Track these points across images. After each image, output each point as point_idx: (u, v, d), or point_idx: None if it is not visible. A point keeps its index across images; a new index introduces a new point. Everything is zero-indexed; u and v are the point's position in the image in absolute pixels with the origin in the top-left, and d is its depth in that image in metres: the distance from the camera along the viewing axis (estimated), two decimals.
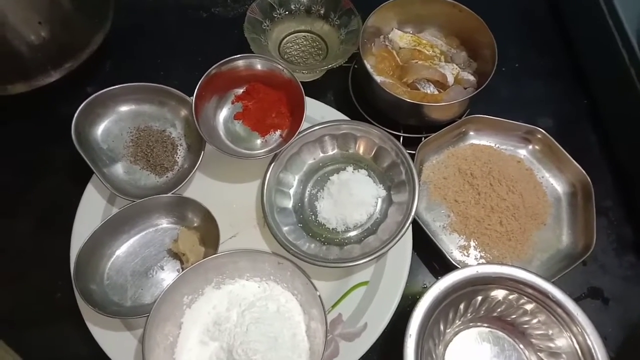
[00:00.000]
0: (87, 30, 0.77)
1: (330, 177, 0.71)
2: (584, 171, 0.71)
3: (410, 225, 0.64)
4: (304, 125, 0.68)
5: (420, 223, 0.67)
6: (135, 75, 0.73)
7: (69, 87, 0.77)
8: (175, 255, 0.67)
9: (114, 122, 0.72)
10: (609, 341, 0.65)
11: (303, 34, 0.84)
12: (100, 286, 0.63)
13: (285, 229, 0.67)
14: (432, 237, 0.66)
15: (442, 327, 0.62)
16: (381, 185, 0.70)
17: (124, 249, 0.67)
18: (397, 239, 0.63)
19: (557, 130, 0.78)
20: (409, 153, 0.68)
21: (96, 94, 0.69)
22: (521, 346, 0.63)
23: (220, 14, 0.91)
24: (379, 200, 0.70)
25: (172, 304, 0.60)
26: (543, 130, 0.74)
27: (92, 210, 0.68)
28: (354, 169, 0.71)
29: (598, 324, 0.56)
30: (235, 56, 0.69)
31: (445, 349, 0.62)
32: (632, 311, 0.68)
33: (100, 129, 0.71)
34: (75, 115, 0.67)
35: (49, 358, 0.65)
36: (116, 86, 0.70)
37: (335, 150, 0.74)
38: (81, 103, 0.68)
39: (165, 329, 0.59)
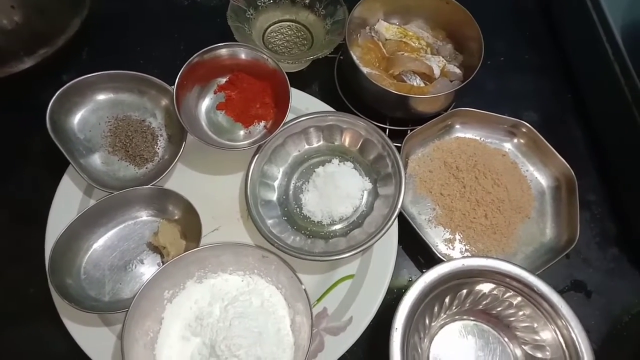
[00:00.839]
0: (63, 15, 0.75)
1: (315, 170, 0.70)
2: (568, 165, 0.71)
3: (397, 219, 0.64)
4: (289, 116, 0.67)
5: (406, 216, 0.66)
6: (113, 63, 0.70)
7: (43, 74, 0.74)
8: (156, 249, 0.65)
9: (91, 111, 0.69)
10: (591, 334, 0.65)
11: (288, 23, 0.82)
12: (76, 281, 0.61)
13: (269, 222, 0.66)
14: (417, 230, 0.66)
15: (427, 321, 0.61)
16: (367, 178, 0.70)
17: (101, 242, 0.64)
18: (383, 232, 0.62)
19: (542, 124, 0.78)
20: (395, 146, 0.68)
21: (73, 81, 0.66)
22: (506, 339, 0.63)
23: (202, 2, 0.89)
24: (365, 193, 0.69)
25: (152, 299, 0.58)
26: (528, 124, 0.74)
27: (68, 202, 0.66)
28: (339, 162, 0.70)
29: (581, 317, 0.56)
30: (219, 44, 0.67)
31: (430, 343, 0.62)
32: (614, 304, 0.68)
33: (77, 118, 0.69)
34: (51, 103, 0.65)
35: (23, 355, 0.63)
36: (94, 74, 0.68)
37: (321, 142, 0.72)
38: (56, 91, 0.65)
39: (145, 324, 0.57)
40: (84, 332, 0.59)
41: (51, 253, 0.59)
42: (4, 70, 0.71)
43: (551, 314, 0.57)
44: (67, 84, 0.66)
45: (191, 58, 0.66)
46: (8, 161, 0.73)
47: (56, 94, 0.65)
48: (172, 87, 0.66)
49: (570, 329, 0.56)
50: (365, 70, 0.71)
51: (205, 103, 0.71)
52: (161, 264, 0.64)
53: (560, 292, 0.67)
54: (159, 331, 0.58)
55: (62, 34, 0.74)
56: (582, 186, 0.70)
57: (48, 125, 0.64)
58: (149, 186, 0.65)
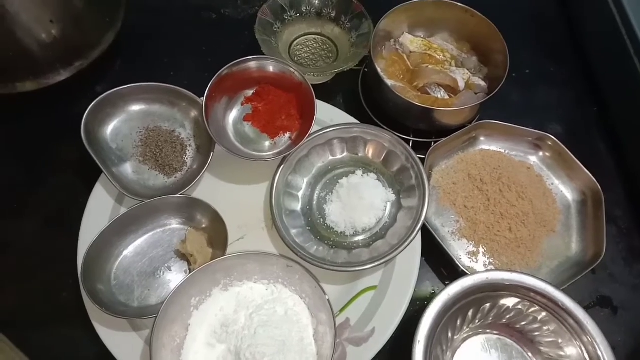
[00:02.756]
0: (99, 29, 0.77)
1: (339, 181, 0.71)
2: (594, 179, 0.70)
3: (420, 231, 0.64)
4: (314, 128, 0.68)
5: (430, 228, 0.66)
6: (144, 75, 0.73)
7: (78, 86, 0.77)
8: (183, 257, 0.66)
9: (123, 122, 0.72)
10: (617, 351, 0.64)
11: (313, 36, 0.83)
12: (107, 286, 0.63)
13: (293, 231, 0.67)
14: (441, 242, 0.66)
15: (450, 334, 0.61)
16: (390, 190, 0.70)
17: (131, 249, 0.66)
18: (406, 243, 0.62)
19: (567, 137, 0.78)
20: (419, 158, 0.68)
21: (106, 93, 0.69)
22: (529, 354, 0.62)
23: (230, 16, 0.91)
24: (388, 205, 0.69)
25: (179, 306, 0.59)
26: (553, 137, 0.73)
27: (100, 210, 0.68)
28: (363, 173, 0.71)
29: (607, 333, 0.55)
30: (248, 57, 0.69)
31: (453, 356, 0.62)
32: None
33: (110, 128, 0.71)
34: (86, 114, 0.67)
35: (55, 358, 0.65)
36: (127, 86, 0.70)
37: (345, 154, 0.73)
38: (90, 102, 0.68)
39: (172, 330, 0.58)
40: (113, 336, 0.61)
41: (84, 259, 0.61)
42: (41, 81, 0.74)
43: (576, 330, 0.57)
44: (101, 96, 0.68)
45: (221, 70, 0.68)
46: (43, 169, 0.76)
47: (91, 105, 0.68)
48: (201, 98, 0.68)
49: (596, 346, 0.55)
50: (389, 82, 0.72)
51: (233, 114, 0.73)
52: (188, 271, 0.66)
53: (586, 307, 0.67)
54: (185, 337, 0.59)
55: (97, 47, 0.77)
56: (608, 200, 0.69)
57: (83, 136, 0.66)
58: (177, 195, 0.66)
